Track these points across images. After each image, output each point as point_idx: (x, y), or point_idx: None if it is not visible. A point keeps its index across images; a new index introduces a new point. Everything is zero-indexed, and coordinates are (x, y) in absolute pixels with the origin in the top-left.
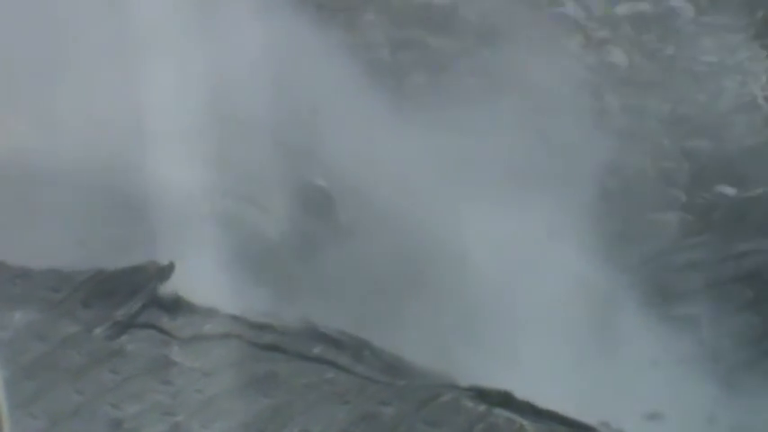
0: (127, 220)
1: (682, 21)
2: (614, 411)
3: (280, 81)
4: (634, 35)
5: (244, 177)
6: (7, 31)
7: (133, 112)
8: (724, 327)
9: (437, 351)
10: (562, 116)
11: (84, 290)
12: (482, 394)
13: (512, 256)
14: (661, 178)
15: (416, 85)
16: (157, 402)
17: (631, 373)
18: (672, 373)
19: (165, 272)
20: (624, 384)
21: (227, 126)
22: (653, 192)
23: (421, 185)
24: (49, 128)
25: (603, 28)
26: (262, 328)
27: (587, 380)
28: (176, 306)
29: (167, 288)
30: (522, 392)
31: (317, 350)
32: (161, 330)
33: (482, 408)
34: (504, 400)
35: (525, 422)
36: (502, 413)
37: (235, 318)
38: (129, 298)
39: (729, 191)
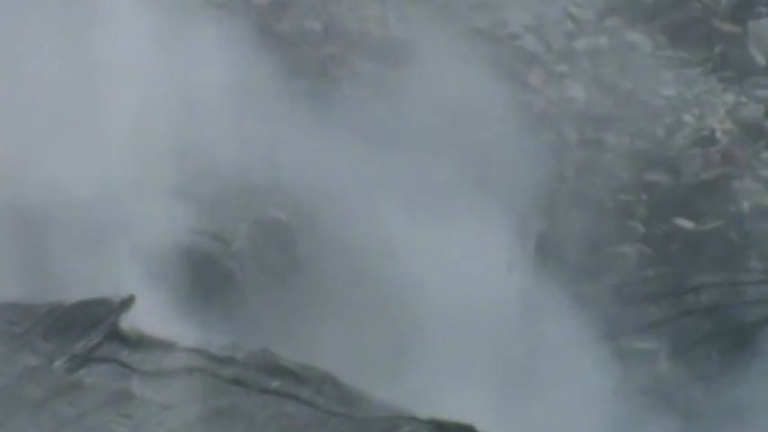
0: (88, 252)
1: (639, 55)
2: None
3: (241, 116)
4: (592, 69)
5: (204, 211)
6: None
7: (95, 146)
8: (682, 359)
9: (396, 379)
10: (520, 149)
11: (44, 323)
12: (441, 427)
13: (469, 287)
14: (619, 211)
15: (374, 118)
16: None
17: (591, 403)
18: (631, 404)
19: (126, 305)
20: (583, 415)
21: (188, 160)
22: (611, 225)
23: (379, 214)
24: (11, 162)
25: (562, 62)
26: (222, 360)
27: (544, 411)
28: (136, 339)
29: (127, 321)
30: (483, 420)
31: (277, 383)
32: (121, 363)
33: None
34: None
35: None
36: None
37: (195, 351)
38: (89, 331)
39: (687, 224)
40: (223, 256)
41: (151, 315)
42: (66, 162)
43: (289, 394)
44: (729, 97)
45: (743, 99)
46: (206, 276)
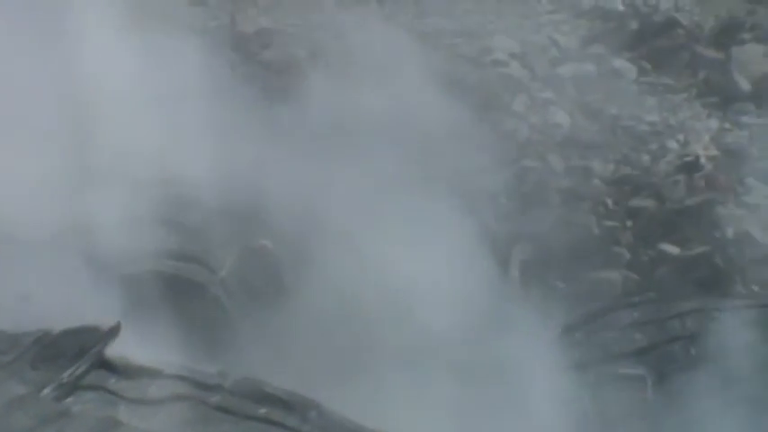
0: (73, 279)
1: (624, 81)
2: None
3: (225, 141)
4: (577, 96)
5: (190, 238)
6: None
7: (78, 169)
8: (668, 385)
9: (381, 407)
10: (502, 176)
11: (31, 351)
12: None
13: (456, 312)
14: (605, 237)
15: (359, 144)
16: None
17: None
18: (616, 430)
19: (112, 332)
20: None
21: (172, 186)
22: (597, 250)
23: (365, 243)
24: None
25: (547, 88)
26: (209, 388)
27: None
28: (123, 367)
29: (114, 349)
30: None
31: (263, 411)
32: (108, 391)
33: None
34: None
35: None
36: None
37: (181, 378)
38: (76, 359)
39: (672, 249)
40: (210, 283)
41: (138, 343)
42: (47, 189)
43: (275, 422)
44: (713, 123)
45: (727, 125)
46: (192, 303)
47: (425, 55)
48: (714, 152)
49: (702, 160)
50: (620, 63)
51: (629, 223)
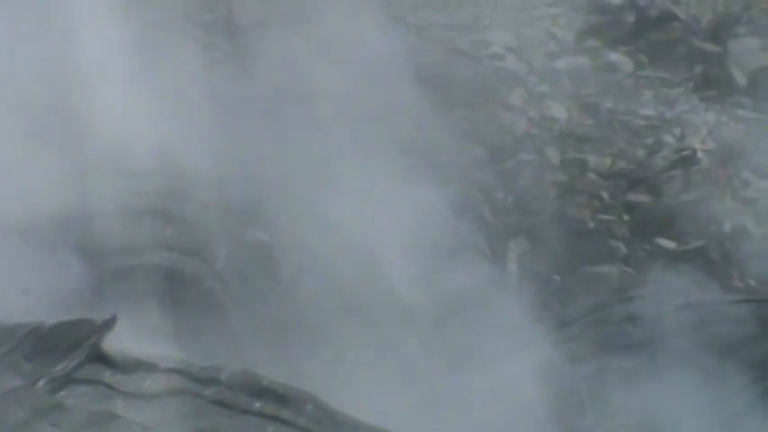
0: (69, 271)
1: (620, 75)
2: None
3: (223, 135)
4: (573, 89)
5: (186, 231)
6: None
7: (72, 166)
8: (665, 379)
9: (377, 400)
10: (503, 169)
11: (26, 344)
12: None
13: (453, 305)
14: (601, 231)
15: (354, 137)
16: None
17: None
18: (613, 424)
19: (108, 325)
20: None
21: (170, 180)
22: (593, 245)
23: (362, 236)
24: None
25: (543, 82)
26: (204, 381)
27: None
28: (118, 360)
29: (109, 342)
30: None
31: (259, 404)
32: (103, 384)
33: None
34: None
35: None
36: None
37: (177, 371)
38: (71, 352)
39: (669, 244)
40: (205, 276)
41: (133, 336)
42: (43, 180)
43: (271, 415)
44: (710, 117)
45: (724, 119)
46: (188, 296)
47: (422, 50)
48: (711, 146)
49: (699, 154)
50: (617, 57)
51: (625, 217)
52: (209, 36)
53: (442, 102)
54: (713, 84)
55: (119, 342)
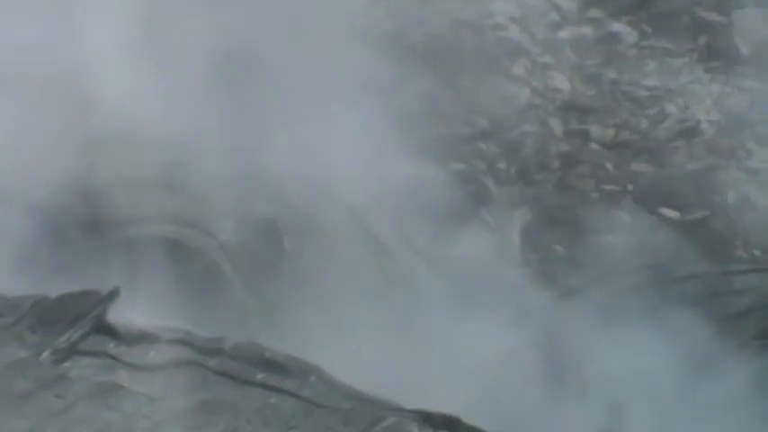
0: (73, 243)
1: (624, 45)
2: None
3: (227, 106)
4: (576, 60)
5: (190, 203)
6: None
7: (77, 138)
8: (668, 350)
9: (383, 371)
10: (507, 139)
11: (31, 315)
12: (428, 418)
13: (456, 276)
14: (605, 201)
15: (361, 110)
16: (104, 428)
17: (576, 393)
18: (616, 395)
19: (112, 297)
20: (572, 405)
21: (173, 151)
22: (596, 215)
23: (369, 211)
24: None
25: (546, 53)
26: (208, 353)
27: (534, 402)
28: (122, 332)
29: (114, 313)
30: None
31: (263, 375)
32: (108, 355)
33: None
34: (450, 424)
35: None
36: None
37: (182, 342)
38: (75, 323)
39: (672, 214)
40: (209, 248)
41: (137, 307)
42: (48, 152)
43: (275, 386)
44: (715, 87)
45: (728, 89)
46: (192, 269)
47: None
48: (715, 116)
49: (703, 125)
50: (620, 27)
51: (629, 187)
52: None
53: (445, 72)
54: (717, 54)
55: (123, 314)
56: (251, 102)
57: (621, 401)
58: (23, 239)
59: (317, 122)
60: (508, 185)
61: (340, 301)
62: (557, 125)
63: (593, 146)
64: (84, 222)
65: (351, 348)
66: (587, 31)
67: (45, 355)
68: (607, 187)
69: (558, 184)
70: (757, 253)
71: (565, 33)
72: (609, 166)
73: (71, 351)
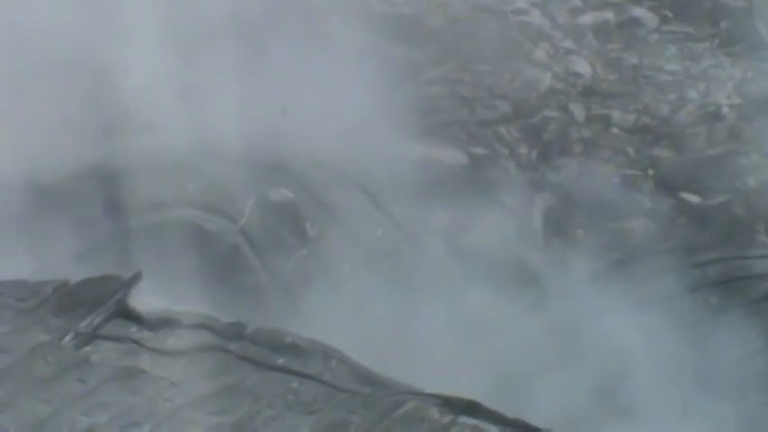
0: (94, 228)
1: (645, 30)
2: (589, 412)
3: (247, 90)
4: (597, 45)
5: (212, 187)
6: None
7: (97, 120)
8: (688, 335)
9: (404, 355)
10: (528, 124)
11: (53, 300)
12: (448, 402)
13: (479, 261)
14: (626, 186)
15: (381, 96)
16: (126, 411)
17: (601, 377)
18: (636, 380)
19: (133, 281)
20: (595, 389)
21: (194, 135)
22: (618, 199)
23: (388, 195)
24: (17, 136)
25: (568, 37)
26: (230, 337)
27: (561, 387)
28: (144, 315)
29: (135, 298)
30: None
31: (284, 360)
32: (129, 340)
33: (448, 416)
34: (470, 408)
35: (493, 430)
36: (468, 422)
37: (203, 327)
38: (97, 308)
39: (693, 198)
40: (230, 233)
41: (158, 292)
42: (68, 135)
43: (296, 371)
44: (736, 72)
45: (750, 74)
46: (212, 253)
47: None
48: (737, 101)
49: (724, 109)
50: (642, 12)
51: (650, 172)
52: None
53: (465, 57)
54: (739, 39)
55: (144, 298)
56: (269, 85)
57: (640, 385)
58: (45, 224)
59: (335, 107)
60: (529, 170)
61: (360, 285)
62: (578, 110)
63: (615, 131)
64: (105, 207)
65: (371, 332)
66: (608, 15)
67: (67, 339)
68: (628, 172)
69: (579, 169)
70: None
71: (586, 18)
72: (630, 150)
73: (93, 335)
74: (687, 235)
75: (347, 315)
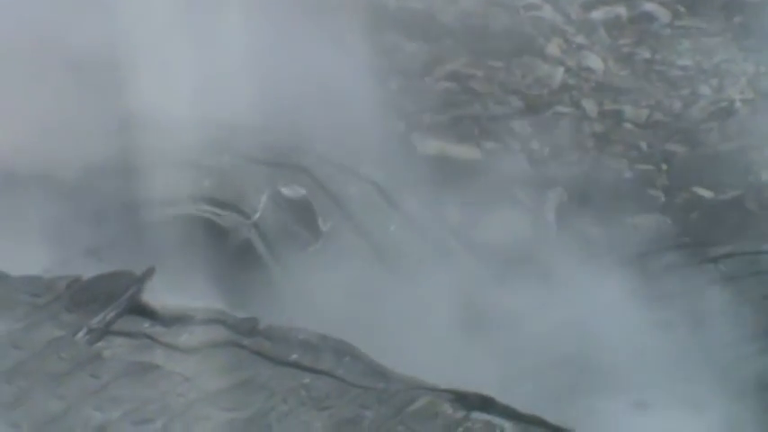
0: (107, 223)
1: (658, 25)
2: (601, 407)
3: (261, 86)
4: (610, 40)
5: (225, 183)
6: None
7: (112, 116)
8: (702, 330)
9: (417, 350)
10: (540, 119)
11: (66, 295)
12: (461, 398)
13: (493, 256)
14: (639, 181)
15: (394, 91)
16: (139, 407)
17: (614, 372)
18: (650, 375)
19: (146, 277)
20: (607, 384)
21: (207, 130)
22: (630, 194)
23: (401, 190)
24: (31, 132)
25: (580, 33)
26: (243, 333)
27: (572, 382)
28: (158, 311)
29: (149, 293)
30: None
31: (297, 355)
32: (143, 335)
33: (461, 412)
34: (484, 404)
35: (506, 425)
36: (481, 417)
37: (216, 322)
38: (110, 303)
39: (706, 193)
40: (243, 228)
41: (171, 287)
42: (80, 130)
43: (309, 366)
44: (750, 67)
45: (763, 69)
46: (226, 248)
47: (459, 3)
48: (750, 96)
49: (737, 104)
50: (654, 6)
51: (663, 166)
52: None
53: (477, 52)
54: (752, 33)
55: (157, 294)
56: (281, 81)
57: (654, 383)
58: (58, 220)
59: (348, 101)
60: (542, 165)
61: (373, 280)
62: (590, 105)
63: (627, 126)
64: (118, 203)
65: (384, 328)
66: (621, 10)
67: (80, 334)
68: (641, 167)
69: (591, 164)
70: None
71: (598, 13)
72: (643, 145)
73: (106, 331)
74: (700, 230)
75: (360, 310)
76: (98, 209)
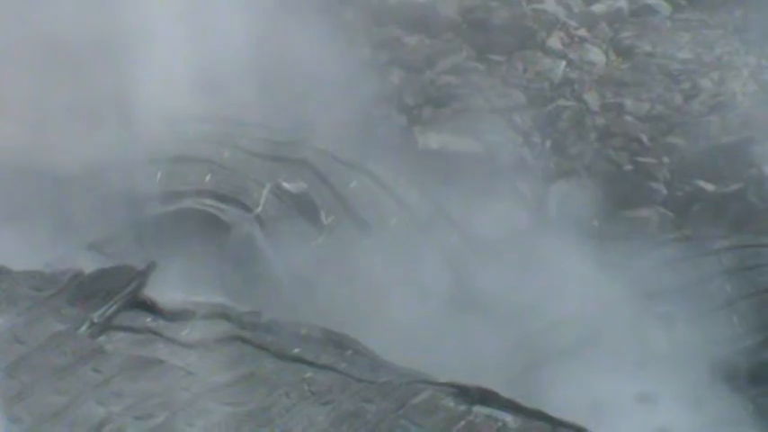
0: (110, 217)
1: (658, 18)
2: (604, 400)
3: (263, 79)
4: (611, 33)
5: (227, 177)
6: None
7: (112, 110)
8: (703, 323)
9: (420, 344)
10: (542, 112)
11: (68, 289)
12: (463, 391)
13: (494, 249)
14: (640, 174)
15: (396, 86)
16: (142, 401)
17: (616, 366)
18: (650, 368)
19: (149, 271)
20: (613, 372)
21: (210, 124)
22: (632, 187)
23: (403, 184)
24: (34, 126)
25: (582, 26)
26: (245, 326)
27: (576, 376)
28: (159, 305)
29: (151, 287)
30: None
31: (299, 349)
32: (145, 329)
33: (463, 405)
34: (486, 397)
35: (508, 419)
36: (482, 410)
37: (219, 316)
38: (112, 297)
39: (707, 186)
40: (245, 223)
41: (173, 281)
42: (84, 127)
43: (311, 360)
44: (751, 59)
45: (764, 61)
46: (228, 242)
47: None
48: (752, 88)
49: (739, 97)
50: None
51: (665, 159)
52: None
53: (479, 46)
54: (753, 26)
55: (160, 288)
56: (284, 76)
57: (657, 376)
58: (60, 214)
59: (349, 95)
60: (544, 158)
61: (375, 274)
62: (592, 98)
63: (629, 119)
64: (120, 197)
65: (386, 321)
66: (622, 3)
67: (83, 328)
68: (642, 160)
69: (593, 157)
70: None
71: (600, 6)
72: (644, 138)
73: (108, 325)
74: (701, 223)
75: (362, 304)
76: (100, 203)
